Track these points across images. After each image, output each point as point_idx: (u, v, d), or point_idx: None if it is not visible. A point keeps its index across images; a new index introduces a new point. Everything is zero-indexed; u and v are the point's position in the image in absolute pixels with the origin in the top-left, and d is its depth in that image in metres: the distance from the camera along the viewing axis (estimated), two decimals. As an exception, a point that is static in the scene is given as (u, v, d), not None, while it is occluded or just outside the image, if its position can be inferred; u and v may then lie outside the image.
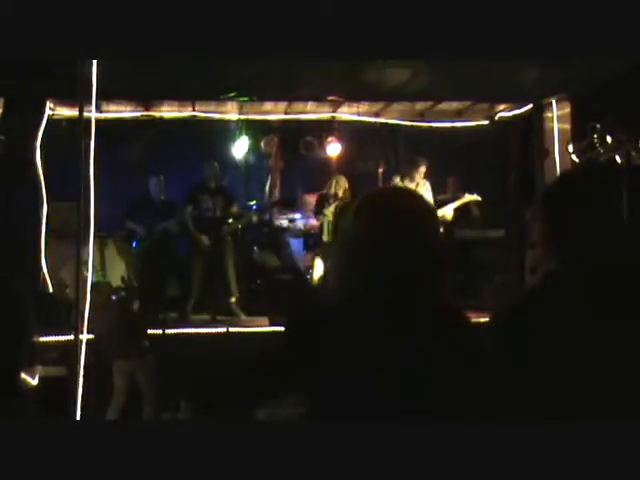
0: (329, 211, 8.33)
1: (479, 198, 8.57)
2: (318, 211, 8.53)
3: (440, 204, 8.51)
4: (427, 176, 8.49)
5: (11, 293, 2.85)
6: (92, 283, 5.98)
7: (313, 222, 8.87)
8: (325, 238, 8.30)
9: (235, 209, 8.42)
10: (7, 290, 2.85)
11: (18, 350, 2.83)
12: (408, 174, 8.46)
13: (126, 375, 6.01)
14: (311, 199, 9.11)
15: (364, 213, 1.88)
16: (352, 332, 1.86)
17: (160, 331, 6.80)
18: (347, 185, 8.43)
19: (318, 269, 8.35)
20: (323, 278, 8.18)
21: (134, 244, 7.96)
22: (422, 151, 8.90)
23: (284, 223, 9.05)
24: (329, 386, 1.91)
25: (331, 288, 1.97)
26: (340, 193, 8.35)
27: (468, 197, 8.54)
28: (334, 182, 8.49)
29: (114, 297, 6.34)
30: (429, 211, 1.95)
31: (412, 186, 8.44)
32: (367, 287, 1.86)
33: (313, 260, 8.47)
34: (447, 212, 8.39)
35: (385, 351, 1.84)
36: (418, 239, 1.82)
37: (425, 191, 8.46)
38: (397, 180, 8.47)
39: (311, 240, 8.74)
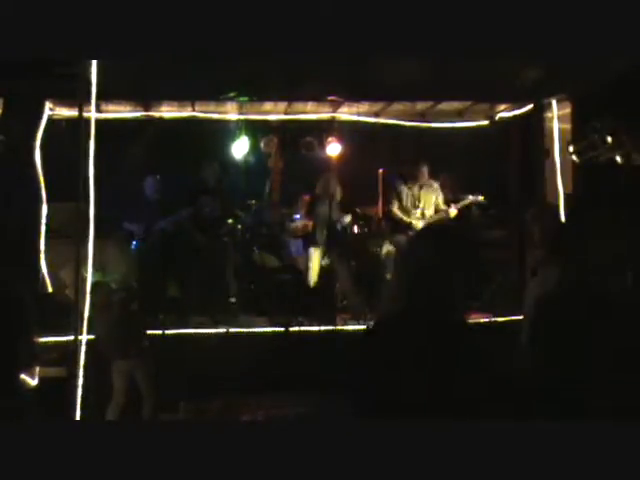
0: (322, 210, 8.35)
1: (482, 198, 8.57)
2: (310, 211, 8.54)
3: (447, 203, 8.51)
4: (432, 176, 8.50)
5: (13, 294, 2.85)
6: (92, 283, 5.97)
7: (312, 222, 8.87)
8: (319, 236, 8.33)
9: (234, 209, 8.42)
10: (10, 291, 2.84)
11: (20, 350, 2.83)
12: (410, 177, 8.51)
13: (125, 375, 6.00)
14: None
15: (425, 243, 2.48)
16: (414, 334, 2.27)
17: (160, 331, 6.80)
18: (337, 182, 8.43)
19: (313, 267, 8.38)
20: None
21: (133, 244, 7.94)
22: (422, 151, 8.91)
23: (284, 223, 9.04)
24: (397, 380, 2.26)
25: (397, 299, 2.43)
26: (331, 191, 8.34)
27: (472, 199, 8.53)
28: (323, 181, 8.49)
29: (114, 297, 6.33)
30: (469, 242, 2.55)
31: (416, 189, 8.44)
32: (425, 298, 2.33)
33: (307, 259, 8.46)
34: (451, 210, 8.40)
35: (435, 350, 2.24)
36: (462, 263, 2.42)
37: (431, 192, 8.45)
38: (402, 185, 8.48)
39: (310, 240, 8.73)
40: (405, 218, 8.36)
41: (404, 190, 8.50)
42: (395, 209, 8.46)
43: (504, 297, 7.85)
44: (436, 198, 8.46)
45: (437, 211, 8.43)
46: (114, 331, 6.06)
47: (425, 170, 8.44)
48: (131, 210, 8.08)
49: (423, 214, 8.39)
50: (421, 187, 8.44)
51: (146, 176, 8.15)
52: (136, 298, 6.47)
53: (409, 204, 8.45)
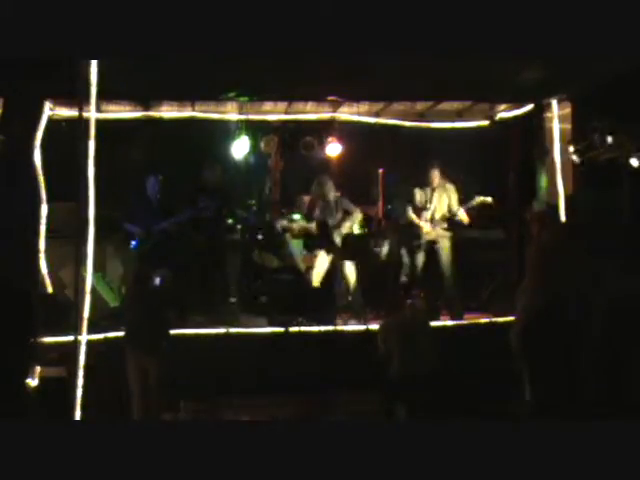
0: (319, 211, 8.38)
1: (490, 199, 8.40)
2: (309, 213, 8.54)
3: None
4: (445, 178, 8.34)
5: (17, 295, 2.85)
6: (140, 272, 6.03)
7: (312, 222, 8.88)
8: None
9: (235, 210, 8.43)
10: (14, 292, 2.84)
11: (25, 351, 2.83)
12: (423, 181, 8.34)
13: (142, 372, 5.90)
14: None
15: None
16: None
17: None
18: (331, 183, 8.39)
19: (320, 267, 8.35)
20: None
21: (133, 244, 7.94)
22: (422, 151, 8.90)
23: (284, 223, 9.04)
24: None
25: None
26: (324, 192, 8.32)
27: (480, 199, 8.35)
28: (316, 183, 8.46)
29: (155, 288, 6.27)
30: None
31: (428, 191, 8.28)
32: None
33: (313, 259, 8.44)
34: (463, 215, 8.21)
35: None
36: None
37: (444, 194, 8.24)
38: (416, 190, 8.33)
39: (310, 240, 8.73)
40: (416, 220, 8.26)
41: (417, 192, 8.35)
42: (409, 212, 8.34)
43: (503, 297, 7.85)
44: (449, 200, 8.26)
45: (450, 213, 8.23)
46: (144, 322, 6.01)
47: (436, 174, 8.26)
48: (132, 210, 8.07)
49: (433, 217, 8.25)
50: (434, 189, 8.26)
51: (148, 176, 8.13)
52: (172, 295, 6.40)
53: (420, 206, 8.31)
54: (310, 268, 8.52)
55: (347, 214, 8.44)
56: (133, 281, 6.46)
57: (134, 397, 5.90)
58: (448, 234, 8.21)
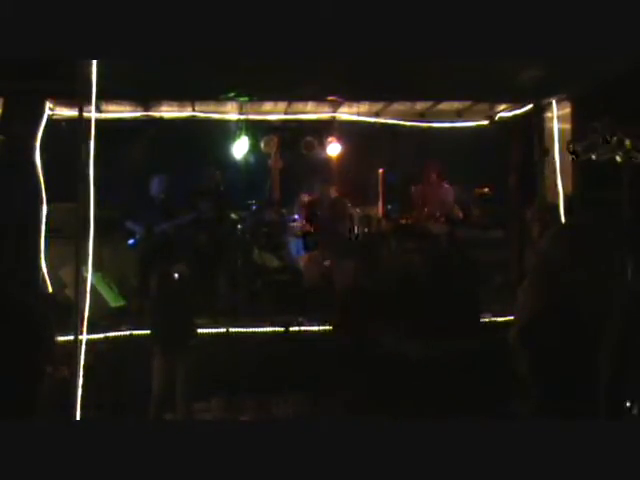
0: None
1: (487, 190, 8.61)
2: (311, 215, 8.65)
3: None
4: (442, 177, 8.60)
5: (31, 299, 2.85)
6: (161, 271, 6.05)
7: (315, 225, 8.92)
8: None
9: (229, 215, 8.47)
10: (29, 296, 2.85)
11: (45, 351, 2.85)
12: (420, 178, 8.63)
13: (168, 372, 5.86)
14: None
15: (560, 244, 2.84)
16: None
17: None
18: (332, 186, 8.57)
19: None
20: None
21: (131, 242, 7.95)
22: (422, 151, 8.93)
23: (283, 224, 9.06)
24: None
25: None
26: (326, 194, 8.49)
27: (478, 191, 8.59)
28: (319, 185, 8.62)
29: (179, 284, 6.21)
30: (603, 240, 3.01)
31: (427, 189, 8.55)
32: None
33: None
34: (457, 211, 8.51)
35: None
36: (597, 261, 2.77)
37: (442, 193, 8.54)
38: (412, 188, 8.61)
39: (310, 240, 8.75)
40: (414, 220, 8.51)
41: (415, 191, 8.63)
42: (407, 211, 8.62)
43: (503, 297, 7.85)
44: (446, 199, 8.55)
45: (446, 211, 8.49)
46: (173, 320, 5.97)
47: (435, 174, 8.56)
48: (133, 210, 8.10)
49: (430, 216, 8.47)
50: (431, 189, 8.56)
51: (151, 176, 8.15)
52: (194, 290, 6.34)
53: (418, 205, 8.59)
54: (310, 268, 8.53)
55: (350, 216, 8.55)
56: (153, 279, 6.33)
57: (156, 396, 5.89)
58: (445, 233, 8.32)
